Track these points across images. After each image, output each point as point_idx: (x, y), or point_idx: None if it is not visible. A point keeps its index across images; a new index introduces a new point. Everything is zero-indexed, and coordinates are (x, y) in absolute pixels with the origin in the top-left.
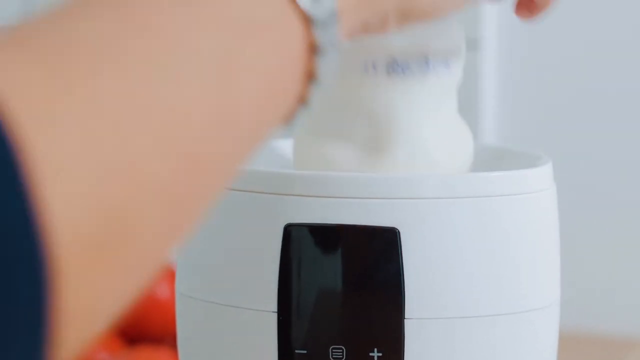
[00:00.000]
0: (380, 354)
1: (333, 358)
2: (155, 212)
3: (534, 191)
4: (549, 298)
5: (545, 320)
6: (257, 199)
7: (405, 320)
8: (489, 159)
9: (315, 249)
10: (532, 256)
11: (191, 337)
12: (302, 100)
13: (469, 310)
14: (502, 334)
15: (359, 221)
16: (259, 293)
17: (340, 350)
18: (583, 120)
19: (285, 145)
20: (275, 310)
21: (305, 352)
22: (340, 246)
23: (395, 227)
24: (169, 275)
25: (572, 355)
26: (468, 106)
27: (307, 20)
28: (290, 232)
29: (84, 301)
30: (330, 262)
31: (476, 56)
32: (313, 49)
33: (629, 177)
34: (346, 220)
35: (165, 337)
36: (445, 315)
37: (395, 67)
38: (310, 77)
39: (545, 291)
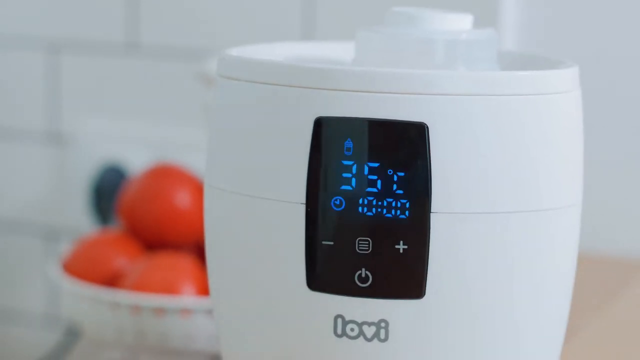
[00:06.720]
0: (405, 247)
1: (359, 250)
2: None
3: (558, 92)
4: (568, 199)
5: (563, 221)
6: (288, 92)
7: (431, 214)
8: (514, 63)
9: (344, 142)
10: (553, 157)
11: (219, 229)
12: None
13: (490, 206)
14: (521, 230)
15: (388, 116)
16: (288, 185)
17: (367, 242)
18: (608, 31)
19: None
20: (304, 202)
21: (332, 243)
22: (369, 140)
23: (424, 122)
24: (189, 184)
25: (580, 276)
26: (488, 21)
27: None
28: (321, 126)
29: None
30: (359, 156)
31: None
32: None
33: None
34: (376, 115)
35: (185, 244)
36: (469, 210)
37: None
38: None
39: (565, 192)
